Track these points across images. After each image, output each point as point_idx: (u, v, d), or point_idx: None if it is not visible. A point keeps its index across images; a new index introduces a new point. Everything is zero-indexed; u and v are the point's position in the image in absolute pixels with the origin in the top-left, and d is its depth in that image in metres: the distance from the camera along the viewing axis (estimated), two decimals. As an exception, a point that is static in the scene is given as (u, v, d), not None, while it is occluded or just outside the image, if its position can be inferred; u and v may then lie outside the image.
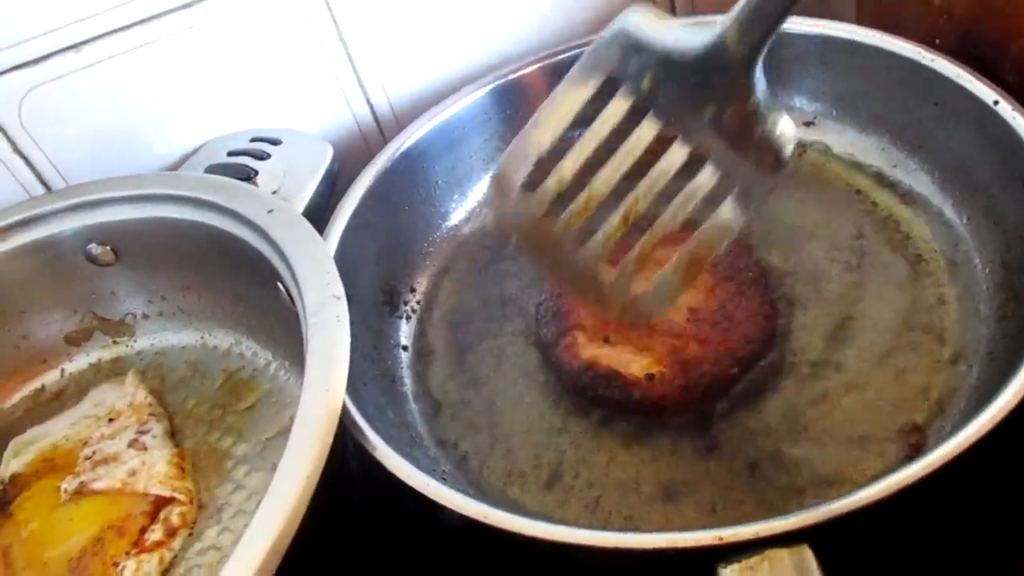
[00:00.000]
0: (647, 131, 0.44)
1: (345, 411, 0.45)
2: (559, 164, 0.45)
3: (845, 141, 0.65)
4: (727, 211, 0.42)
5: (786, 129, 0.41)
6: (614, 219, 0.45)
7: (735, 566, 0.37)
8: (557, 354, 0.55)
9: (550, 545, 0.41)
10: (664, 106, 0.43)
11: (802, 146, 0.65)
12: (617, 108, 0.44)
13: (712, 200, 0.43)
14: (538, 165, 0.46)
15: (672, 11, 0.73)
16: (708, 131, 0.42)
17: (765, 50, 0.39)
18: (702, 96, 0.42)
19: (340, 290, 0.49)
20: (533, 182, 0.46)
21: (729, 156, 0.42)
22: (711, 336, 0.53)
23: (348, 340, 0.46)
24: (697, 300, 0.55)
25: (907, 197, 0.60)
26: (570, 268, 0.47)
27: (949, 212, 0.58)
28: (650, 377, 0.52)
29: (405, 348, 0.61)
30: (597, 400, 0.53)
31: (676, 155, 0.43)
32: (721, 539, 0.37)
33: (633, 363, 0.53)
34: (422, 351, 0.61)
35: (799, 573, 0.36)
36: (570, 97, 0.45)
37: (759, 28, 0.39)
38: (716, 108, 0.42)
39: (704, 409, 0.52)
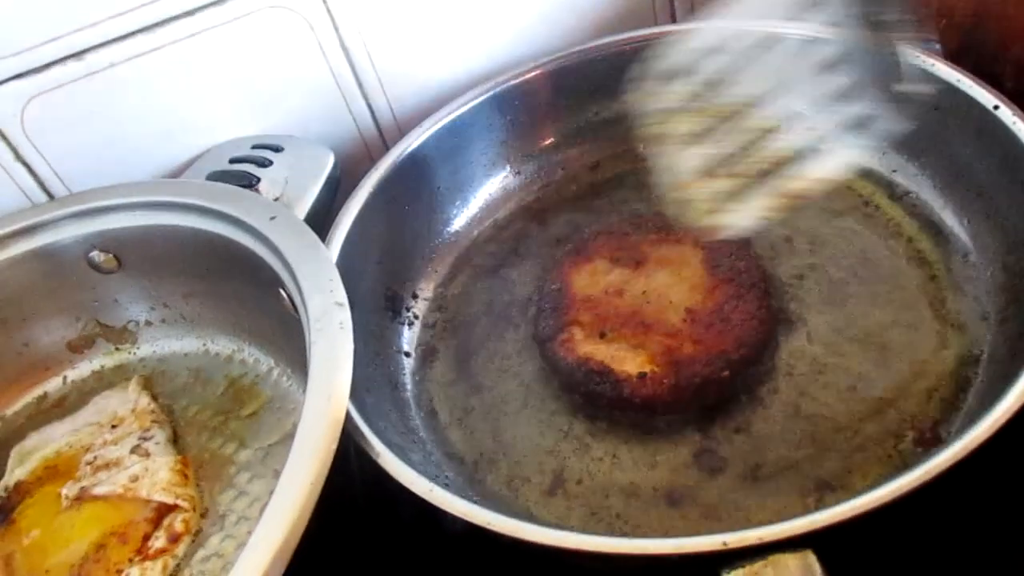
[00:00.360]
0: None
1: (348, 417, 0.45)
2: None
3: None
4: (842, 153, 0.42)
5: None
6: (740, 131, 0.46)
7: (739, 571, 0.37)
8: (553, 348, 0.55)
9: (554, 551, 0.41)
10: None
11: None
12: None
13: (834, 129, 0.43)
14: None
15: (672, 16, 0.74)
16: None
17: None
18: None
19: (343, 297, 0.49)
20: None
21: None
22: (706, 337, 0.53)
23: (351, 347, 0.46)
24: (695, 301, 0.55)
25: (908, 202, 0.60)
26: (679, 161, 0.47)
27: (950, 216, 0.58)
28: (642, 376, 0.52)
29: (407, 354, 0.61)
30: (589, 396, 0.54)
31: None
32: (726, 544, 0.37)
33: (627, 361, 0.53)
34: (424, 357, 0.61)
35: (804, 578, 0.36)
36: None
37: None
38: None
39: (696, 409, 0.52)
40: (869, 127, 0.43)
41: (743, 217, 0.45)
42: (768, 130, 0.45)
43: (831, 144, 0.43)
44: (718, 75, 0.47)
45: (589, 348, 0.54)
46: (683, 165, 0.47)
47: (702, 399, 0.52)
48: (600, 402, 0.53)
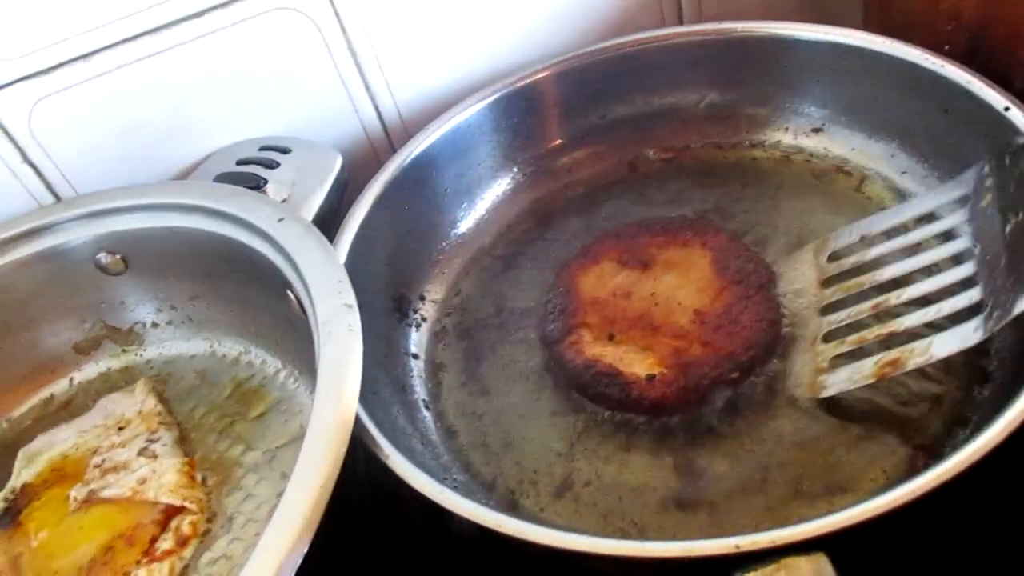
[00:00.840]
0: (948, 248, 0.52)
1: (357, 419, 0.45)
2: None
3: (853, 148, 0.65)
4: (943, 338, 0.47)
5: None
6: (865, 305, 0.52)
7: (751, 575, 0.37)
8: (561, 350, 0.55)
9: (563, 554, 0.41)
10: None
11: (810, 152, 0.66)
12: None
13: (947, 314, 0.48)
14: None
15: (679, 18, 0.73)
16: (993, 238, 0.48)
17: None
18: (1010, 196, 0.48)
19: (352, 299, 0.49)
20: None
21: (996, 265, 0.47)
22: (714, 339, 0.53)
23: (360, 349, 0.46)
24: (703, 303, 0.55)
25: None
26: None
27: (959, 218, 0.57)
28: (651, 377, 0.52)
29: (415, 356, 0.61)
30: (597, 398, 0.54)
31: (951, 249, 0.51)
32: (738, 547, 0.37)
33: (636, 363, 0.53)
34: (432, 359, 0.61)
35: (816, 581, 0.36)
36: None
37: None
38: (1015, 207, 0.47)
39: (704, 410, 0.52)
40: (979, 314, 0.47)
41: (844, 381, 0.50)
42: (893, 308, 0.51)
43: (943, 328, 0.48)
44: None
45: (597, 350, 0.54)
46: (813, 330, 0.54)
47: (709, 400, 0.52)
48: (608, 404, 0.53)
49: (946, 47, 0.59)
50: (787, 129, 0.67)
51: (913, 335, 0.49)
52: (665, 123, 0.70)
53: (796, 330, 0.55)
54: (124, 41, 0.61)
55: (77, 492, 0.56)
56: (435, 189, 0.67)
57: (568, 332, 0.56)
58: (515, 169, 0.70)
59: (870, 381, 0.49)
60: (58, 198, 0.66)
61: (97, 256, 0.63)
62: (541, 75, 0.68)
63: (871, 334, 0.50)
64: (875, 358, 0.49)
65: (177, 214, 0.60)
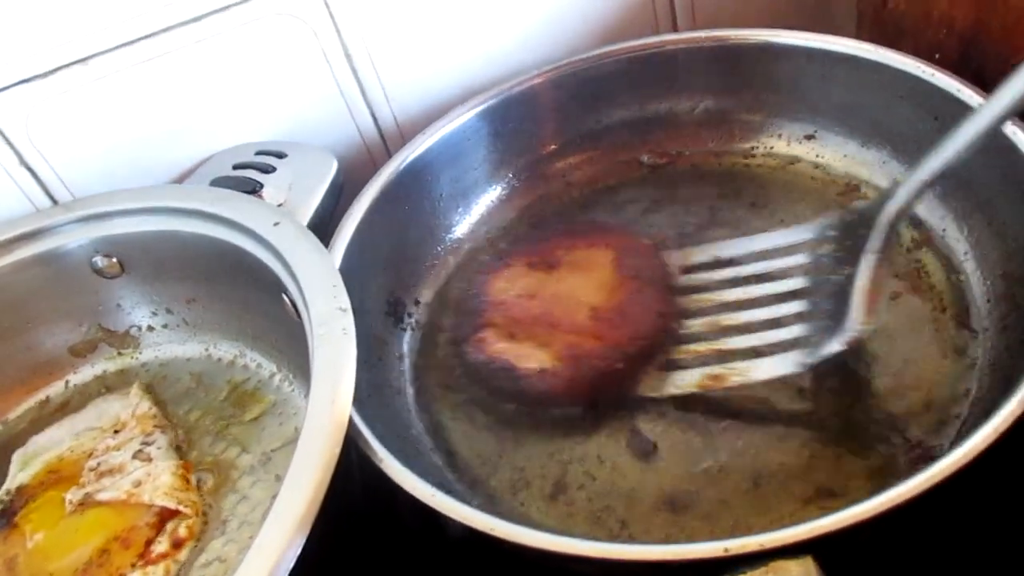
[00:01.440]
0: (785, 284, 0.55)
1: (350, 422, 0.46)
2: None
3: (846, 155, 0.65)
4: (763, 364, 0.52)
5: (861, 311, 0.50)
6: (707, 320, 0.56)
7: (740, 578, 0.37)
8: (466, 349, 0.58)
9: (555, 557, 0.41)
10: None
11: (803, 159, 0.66)
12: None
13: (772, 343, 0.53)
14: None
15: (674, 25, 0.74)
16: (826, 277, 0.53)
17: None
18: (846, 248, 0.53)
19: (346, 302, 0.49)
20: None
21: (822, 301, 0.52)
22: (606, 333, 0.55)
23: (354, 352, 0.46)
24: (599, 299, 0.57)
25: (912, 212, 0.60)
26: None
27: (951, 225, 0.58)
28: (543, 370, 0.54)
29: (410, 360, 0.62)
30: (496, 392, 0.56)
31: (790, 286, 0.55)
32: (727, 551, 0.37)
33: (531, 357, 0.55)
34: (426, 363, 0.61)
35: (804, 584, 0.36)
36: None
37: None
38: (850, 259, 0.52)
39: (596, 401, 0.55)
40: (806, 346, 0.51)
41: (670, 386, 0.54)
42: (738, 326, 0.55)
43: (766, 354, 0.52)
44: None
45: (499, 347, 0.56)
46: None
47: (600, 391, 0.54)
48: (504, 397, 0.56)
49: (937, 55, 0.60)
50: (780, 136, 0.68)
51: (741, 355, 0.53)
52: (660, 129, 0.70)
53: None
54: (122, 46, 0.61)
55: (73, 495, 0.56)
56: (431, 194, 0.67)
57: (475, 332, 0.58)
58: (510, 174, 0.71)
59: (693, 390, 0.53)
60: (55, 201, 0.66)
61: (93, 259, 0.63)
62: (536, 81, 0.68)
63: (703, 347, 0.54)
64: (703, 370, 0.53)
65: (174, 218, 0.60)
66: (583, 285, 0.59)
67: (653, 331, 0.55)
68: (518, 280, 0.60)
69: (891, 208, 0.51)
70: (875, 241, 0.51)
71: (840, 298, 0.51)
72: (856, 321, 0.49)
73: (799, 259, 0.55)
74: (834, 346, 0.49)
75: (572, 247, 0.62)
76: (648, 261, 0.59)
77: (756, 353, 0.53)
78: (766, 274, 0.56)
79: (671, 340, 0.56)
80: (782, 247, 0.57)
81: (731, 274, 0.58)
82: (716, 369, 0.53)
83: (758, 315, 0.54)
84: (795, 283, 0.55)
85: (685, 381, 0.53)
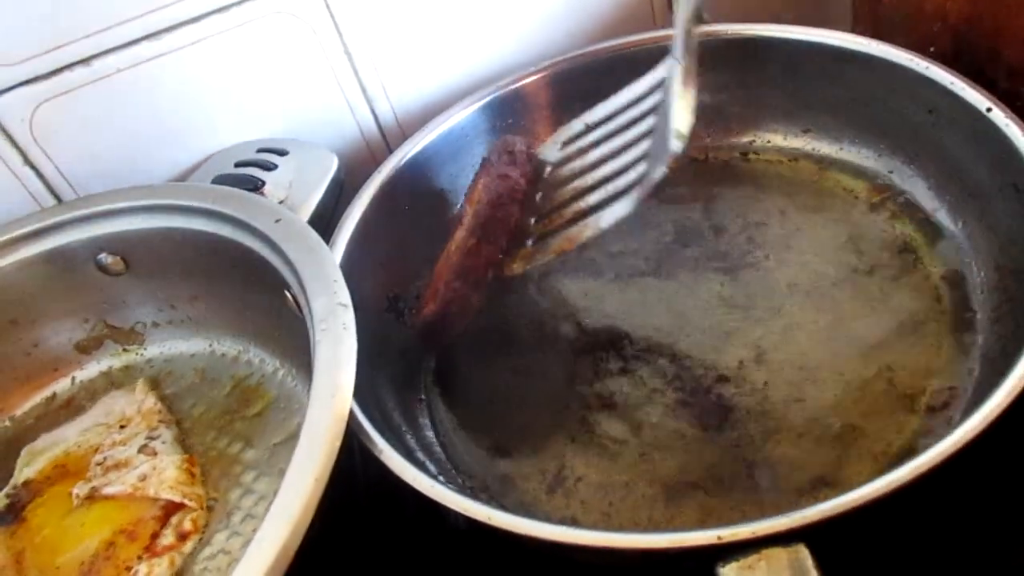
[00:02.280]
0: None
1: (351, 415, 0.46)
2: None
3: (841, 149, 0.66)
4: (610, 211, 0.53)
5: (679, 121, 0.51)
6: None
7: (733, 565, 0.38)
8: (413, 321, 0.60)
9: (552, 546, 0.42)
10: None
11: (799, 152, 0.67)
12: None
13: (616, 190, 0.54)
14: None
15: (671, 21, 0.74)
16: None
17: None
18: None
19: (347, 298, 0.50)
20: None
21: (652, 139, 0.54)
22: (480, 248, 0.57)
23: (355, 347, 0.47)
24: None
25: (903, 203, 0.61)
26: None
27: (944, 217, 0.59)
28: (428, 305, 0.57)
29: (409, 355, 0.62)
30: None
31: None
32: (720, 539, 0.38)
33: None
34: (425, 358, 0.62)
35: (796, 572, 0.37)
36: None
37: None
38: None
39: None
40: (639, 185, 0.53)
41: (537, 258, 0.56)
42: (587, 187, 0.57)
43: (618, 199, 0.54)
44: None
45: (428, 308, 0.58)
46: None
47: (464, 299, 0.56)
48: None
49: (932, 48, 0.60)
50: (776, 129, 0.68)
51: (593, 210, 0.55)
52: (657, 124, 0.71)
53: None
54: (124, 45, 0.62)
55: (79, 489, 0.57)
56: (431, 190, 0.68)
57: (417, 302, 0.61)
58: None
59: (551, 257, 0.55)
60: (59, 199, 0.67)
61: (98, 257, 0.63)
62: (535, 77, 0.69)
63: (568, 211, 0.56)
64: (560, 235, 0.55)
65: (177, 215, 0.61)
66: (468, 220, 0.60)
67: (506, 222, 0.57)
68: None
69: (681, 15, 0.53)
70: (676, 49, 0.52)
71: (663, 123, 0.52)
72: (675, 134, 0.50)
73: (648, 104, 0.57)
74: (660, 169, 0.50)
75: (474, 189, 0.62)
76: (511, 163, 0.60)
77: (606, 203, 0.54)
78: (622, 128, 0.58)
79: (533, 223, 0.57)
80: (638, 95, 0.58)
81: (597, 136, 0.59)
82: (572, 232, 0.55)
83: (609, 167, 0.56)
84: (643, 128, 0.56)
85: (545, 249, 0.55)
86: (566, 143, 0.61)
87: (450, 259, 0.58)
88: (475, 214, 0.57)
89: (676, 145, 0.50)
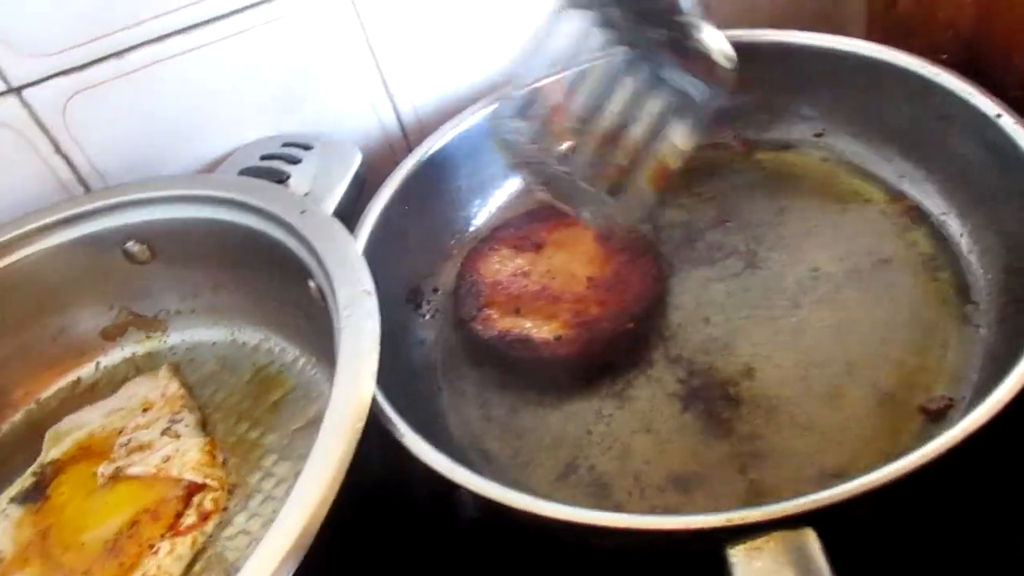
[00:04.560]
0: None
1: (373, 400, 0.47)
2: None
3: (854, 153, 0.67)
4: (677, 132, 0.54)
5: (711, 39, 0.51)
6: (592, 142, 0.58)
7: (742, 547, 0.39)
8: (474, 327, 0.60)
9: (565, 527, 0.43)
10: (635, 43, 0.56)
11: (811, 156, 0.68)
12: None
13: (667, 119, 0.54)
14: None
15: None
16: (662, 55, 0.54)
17: None
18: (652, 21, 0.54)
19: (371, 286, 0.51)
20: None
21: (677, 74, 0.54)
22: (608, 298, 0.60)
23: (378, 333, 0.49)
24: (594, 271, 0.62)
25: (913, 207, 0.62)
26: (561, 184, 0.59)
27: (953, 220, 0.60)
28: (558, 338, 0.58)
29: (428, 346, 0.64)
30: (513, 365, 0.59)
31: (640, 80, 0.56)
32: (730, 521, 0.39)
33: (543, 328, 0.59)
34: (443, 349, 0.64)
35: (803, 554, 0.38)
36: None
37: None
38: (664, 28, 0.53)
39: (608, 365, 0.58)
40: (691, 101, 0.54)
41: (631, 209, 0.57)
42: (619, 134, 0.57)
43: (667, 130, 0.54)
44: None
45: (507, 323, 0.60)
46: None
47: (613, 351, 0.58)
48: (523, 368, 0.59)
49: (943, 55, 0.61)
50: (789, 132, 0.69)
51: (655, 141, 0.55)
52: (670, 126, 0.72)
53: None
54: (158, 39, 0.64)
55: (104, 469, 0.58)
56: (450, 186, 0.69)
57: (479, 310, 0.61)
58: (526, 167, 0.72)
59: (654, 197, 0.56)
60: (88, 189, 0.69)
61: (126, 245, 0.65)
62: (553, 78, 0.70)
63: (620, 158, 0.56)
64: (643, 176, 0.55)
65: (203, 206, 0.63)
66: (574, 260, 0.63)
67: (653, 293, 0.60)
68: (508, 261, 0.64)
69: None
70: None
71: (680, 53, 0.53)
72: (721, 56, 0.52)
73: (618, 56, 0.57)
74: (726, 68, 0.52)
75: (552, 228, 0.66)
76: (631, 235, 0.63)
77: (662, 131, 0.55)
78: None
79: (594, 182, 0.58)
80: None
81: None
82: (649, 167, 0.55)
83: (634, 106, 0.56)
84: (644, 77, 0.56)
85: (641, 194, 0.55)
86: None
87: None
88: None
89: (728, 63, 0.51)
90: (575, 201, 0.59)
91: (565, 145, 0.59)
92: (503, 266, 0.64)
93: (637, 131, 0.55)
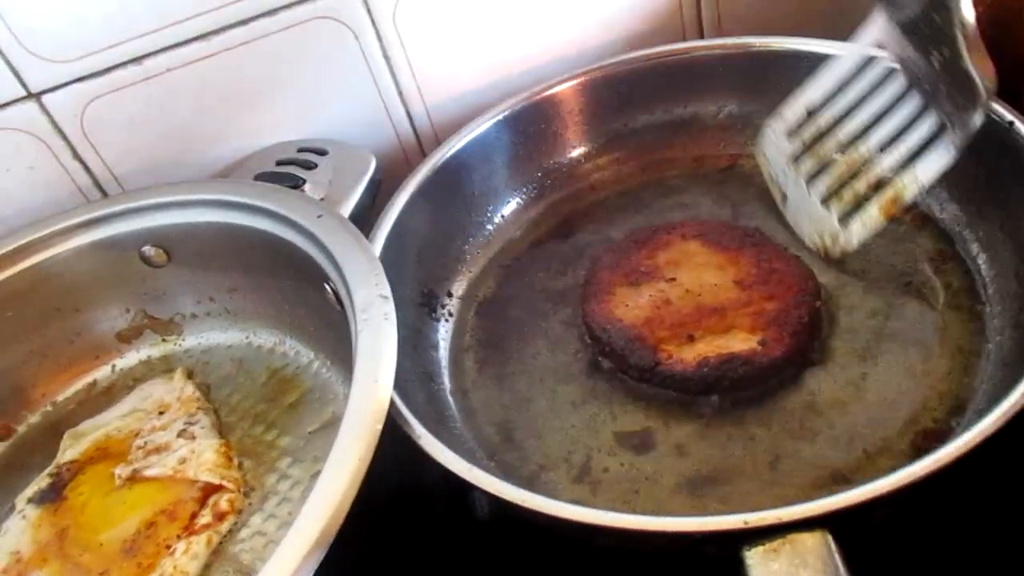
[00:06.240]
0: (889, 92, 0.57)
1: (390, 402, 0.48)
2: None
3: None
4: (924, 165, 0.54)
5: (980, 63, 0.50)
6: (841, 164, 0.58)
7: (758, 549, 0.39)
8: (664, 372, 0.55)
9: (583, 528, 0.43)
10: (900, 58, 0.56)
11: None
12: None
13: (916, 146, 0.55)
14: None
15: (700, 33, 0.76)
16: (926, 73, 0.54)
17: None
18: (924, 37, 0.53)
19: (387, 290, 0.52)
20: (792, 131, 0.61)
21: (944, 102, 0.53)
22: (774, 291, 0.57)
23: (395, 336, 0.49)
24: (732, 275, 0.59)
25: (926, 213, 0.62)
26: (800, 202, 0.61)
27: (966, 227, 0.60)
28: (763, 343, 0.54)
29: (442, 349, 0.64)
30: (723, 389, 0.55)
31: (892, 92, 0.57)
32: (746, 523, 0.39)
33: (736, 341, 0.55)
34: (458, 352, 0.64)
35: (819, 556, 0.38)
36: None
37: None
38: (934, 45, 0.52)
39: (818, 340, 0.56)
40: (942, 138, 0.53)
41: (860, 231, 0.57)
42: (867, 158, 0.57)
43: (918, 159, 0.55)
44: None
45: (694, 352, 0.55)
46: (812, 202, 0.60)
47: (816, 335, 0.56)
48: (732, 388, 0.54)
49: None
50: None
51: (897, 172, 0.55)
52: (685, 132, 0.73)
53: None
54: (174, 46, 0.64)
55: (121, 470, 0.59)
56: (464, 191, 0.70)
57: (655, 354, 0.56)
58: (539, 174, 0.73)
59: (883, 222, 0.56)
60: (104, 193, 0.70)
61: (143, 249, 0.66)
62: (566, 85, 0.71)
63: (860, 185, 0.56)
64: (876, 203, 0.55)
65: (220, 210, 0.63)
66: (700, 274, 0.60)
67: (808, 273, 0.58)
68: (636, 298, 0.59)
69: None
70: (957, 17, 0.50)
71: (949, 77, 0.52)
72: (985, 82, 0.50)
73: (878, 71, 0.57)
74: (978, 115, 0.50)
75: (654, 251, 0.62)
76: (725, 230, 0.62)
77: (909, 161, 0.55)
78: (862, 97, 0.58)
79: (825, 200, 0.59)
80: (854, 69, 0.59)
81: (831, 115, 0.59)
82: (888, 194, 0.55)
83: (885, 130, 0.56)
84: (897, 86, 0.56)
85: (869, 218, 0.56)
86: (791, 133, 0.61)
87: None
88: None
89: (989, 89, 0.50)
90: (801, 219, 0.61)
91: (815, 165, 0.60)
92: (637, 304, 0.59)
93: (888, 161, 0.56)
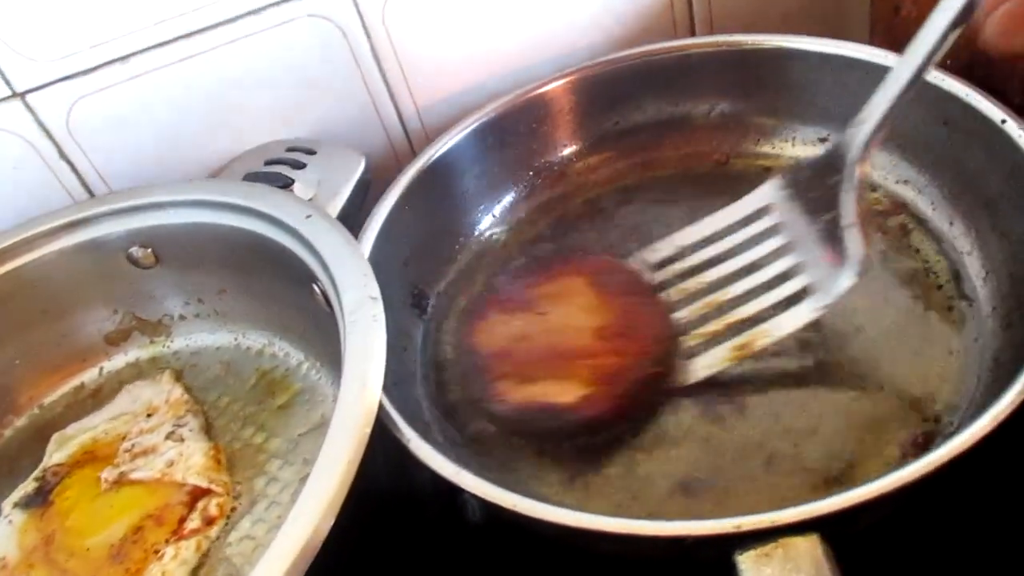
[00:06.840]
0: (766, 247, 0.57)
1: (379, 405, 0.47)
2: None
3: (858, 157, 0.67)
4: (783, 319, 0.54)
5: (855, 243, 0.51)
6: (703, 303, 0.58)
7: (751, 553, 0.39)
8: (487, 407, 0.56)
9: (574, 532, 0.43)
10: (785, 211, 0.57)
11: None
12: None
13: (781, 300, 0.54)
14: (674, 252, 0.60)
15: (691, 31, 0.76)
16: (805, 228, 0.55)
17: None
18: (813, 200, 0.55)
19: (376, 291, 0.51)
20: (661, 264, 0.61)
21: (812, 250, 0.54)
22: (623, 347, 0.55)
23: (384, 337, 0.49)
24: (598, 320, 0.57)
25: (917, 212, 0.62)
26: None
27: (958, 226, 0.60)
28: (584, 397, 0.53)
29: (432, 351, 0.63)
30: (542, 436, 0.55)
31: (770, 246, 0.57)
32: (739, 527, 0.39)
33: (563, 392, 0.54)
34: (449, 353, 0.63)
35: (812, 560, 0.38)
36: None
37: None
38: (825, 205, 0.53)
39: (641, 412, 0.55)
40: (815, 291, 0.53)
41: (705, 367, 0.55)
42: (729, 302, 0.57)
43: (780, 311, 0.54)
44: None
45: (523, 393, 0.55)
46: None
47: (648, 402, 0.55)
48: (554, 438, 0.55)
49: (948, 61, 0.61)
50: (794, 138, 0.70)
51: (756, 320, 0.55)
52: (677, 131, 0.72)
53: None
54: (161, 45, 0.64)
55: (108, 474, 0.58)
56: (454, 191, 0.69)
57: (489, 389, 0.56)
58: (531, 173, 0.73)
59: (728, 364, 0.54)
60: (91, 193, 0.69)
61: (130, 250, 0.65)
62: (557, 84, 0.70)
63: (719, 324, 0.56)
64: (728, 343, 0.55)
65: (208, 210, 0.62)
66: (571, 313, 0.58)
67: (669, 331, 0.56)
68: (502, 327, 0.59)
69: (854, 154, 0.52)
70: (848, 183, 0.52)
71: (829, 239, 0.53)
72: (859, 251, 0.51)
73: (767, 222, 0.57)
74: (847, 280, 0.51)
75: (541, 283, 0.61)
76: (620, 274, 0.60)
77: (771, 312, 0.54)
78: (739, 245, 0.58)
79: (680, 332, 0.57)
80: (742, 218, 0.59)
81: (703, 256, 0.59)
82: (739, 339, 0.54)
83: (755, 279, 0.56)
84: (776, 242, 0.56)
85: (716, 359, 0.54)
86: (658, 265, 0.61)
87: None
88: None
89: (862, 260, 0.51)
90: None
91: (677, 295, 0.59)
92: (499, 333, 0.59)
93: (749, 310, 0.55)
